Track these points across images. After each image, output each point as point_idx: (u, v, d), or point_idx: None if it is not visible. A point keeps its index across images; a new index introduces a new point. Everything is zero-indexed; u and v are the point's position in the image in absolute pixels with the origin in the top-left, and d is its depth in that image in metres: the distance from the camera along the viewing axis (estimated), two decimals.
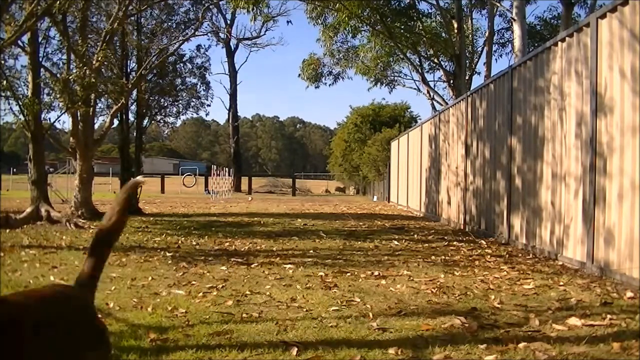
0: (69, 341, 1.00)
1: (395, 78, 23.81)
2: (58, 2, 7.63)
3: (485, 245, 6.19)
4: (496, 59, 39.70)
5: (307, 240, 6.64)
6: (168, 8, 13.02)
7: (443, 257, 5.25)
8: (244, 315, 2.85)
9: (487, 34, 18.04)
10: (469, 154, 8.20)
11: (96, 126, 11.57)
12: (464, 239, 6.85)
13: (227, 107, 37.74)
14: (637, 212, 3.79)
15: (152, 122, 15.69)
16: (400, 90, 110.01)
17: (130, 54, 12.25)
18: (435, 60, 18.61)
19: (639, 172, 3.79)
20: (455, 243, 6.41)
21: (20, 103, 8.51)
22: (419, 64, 19.33)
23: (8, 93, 8.64)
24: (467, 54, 18.34)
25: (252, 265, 4.59)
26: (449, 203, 9.54)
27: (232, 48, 36.18)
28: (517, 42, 11.61)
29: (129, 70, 12.08)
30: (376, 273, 4.22)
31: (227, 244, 6.27)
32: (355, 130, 27.52)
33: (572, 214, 4.82)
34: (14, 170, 36.12)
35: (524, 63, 6.12)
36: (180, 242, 6.42)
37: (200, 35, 12.41)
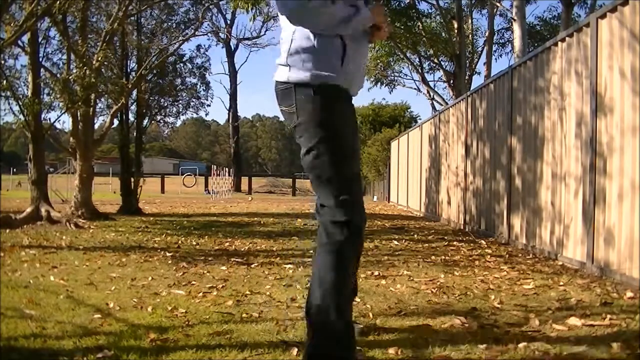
0: None
1: (395, 78, 23.84)
2: (58, 2, 7.64)
3: (485, 245, 6.19)
4: (496, 59, 39.64)
5: (307, 240, 6.64)
6: (168, 8, 13.03)
7: (443, 257, 5.25)
8: (244, 315, 2.85)
9: (487, 34, 18.05)
10: (469, 154, 8.21)
11: (96, 126, 11.59)
12: (464, 239, 6.85)
13: (227, 107, 37.81)
14: (637, 212, 3.79)
15: (152, 122, 15.71)
16: (400, 90, 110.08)
17: (130, 54, 12.25)
18: (435, 60, 18.63)
19: (639, 172, 3.79)
20: (455, 243, 6.41)
21: (20, 103, 8.51)
22: (419, 64, 19.35)
23: (8, 93, 8.64)
24: (467, 54, 18.34)
25: (252, 265, 4.59)
26: (449, 203, 9.54)
27: (232, 48, 36.30)
28: (517, 42, 11.62)
29: (129, 70, 12.08)
30: (376, 273, 4.22)
31: (227, 244, 6.27)
32: None
33: (572, 214, 4.82)
34: (14, 170, 36.15)
35: (524, 63, 6.12)
36: (180, 242, 6.42)
37: (200, 35, 12.46)
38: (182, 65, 15.91)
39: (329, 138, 2.09)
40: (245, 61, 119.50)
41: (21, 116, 8.57)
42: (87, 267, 4.46)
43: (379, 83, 23.18)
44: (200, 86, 18.03)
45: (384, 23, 2.22)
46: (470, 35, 19.45)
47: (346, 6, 2.10)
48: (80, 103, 8.50)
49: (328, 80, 2.10)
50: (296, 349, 2.22)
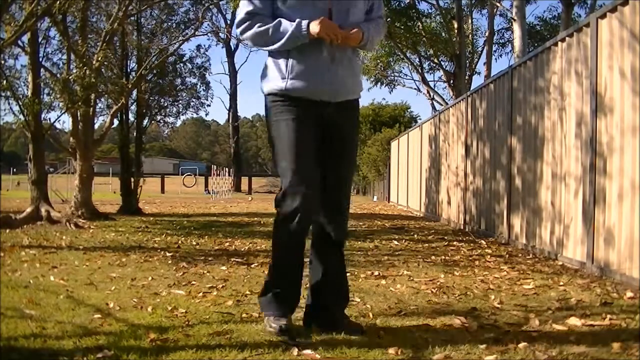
0: None
1: (395, 78, 23.84)
2: (58, 2, 7.64)
3: (485, 245, 6.19)
4: (496, 59, 39.60)
5: (307, 240, 6.63)
6: (168, 8, 13.02)
7: (443, 257, 5.25)
8: (244, 315, 2.85)
9: (487, 34, 18.05)
10: (469, 154, 8.21)
11: (96, 126, 11.59)
12: (464, 239, 6.85)
13: (227, 107, 37.83)
14: (637, 212, 3.79)
15: (152, 122, 15.70)
16: (400, 90, 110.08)
17: (130, 54, 12.25)
18: (435, 60, 18.62)
19: (639, 172, 3.79)
20: (455, 243, 6.41)
21: (20, 103, 8.51)
22: (419, 64, 19.33)
23: (8, 93, 8.63)
24: (467, 54, 18.34)
25: (252, 265, 4.59)
26: (449, 203, 9.54)
27: (232, 48, 36.30)
28: (517, 43, 11.62)
29: (129, 70, 12.08)
30: (376, 273, 4.22)
31: (227, 244, 6.27)
32: None
33: (572, 214, 4.82)
34: (14, 170, 36.15)
35: (524, 63, 6.12)
36: (180, 242, 6.42)
37: (200, 35, 12.43)
38: (182, 65, 15.90)
39: (274, 138, 2.50)
40: (245, 61, 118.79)
41: (21, 116, 8.57)
42: (87, 267, 4.46)
43: (379, 83, 23.18)
44: (200, 86, 18.02)
45: (326, 36, 2.36)
46: (470, 35, 19.45)
47: (283, 25, 2.39)
48: (80, 103, 8.49)
49: (272, 89, 2.48)
50: (296, 349, 2.22)
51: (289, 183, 2.42)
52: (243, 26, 2.46)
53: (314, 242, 2.69)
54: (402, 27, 15.72)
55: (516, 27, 11.69)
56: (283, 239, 2.54)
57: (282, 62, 2.44)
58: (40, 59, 9.35)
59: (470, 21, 19.35)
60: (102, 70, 10.14)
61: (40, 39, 9.24)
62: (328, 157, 2.53)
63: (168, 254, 5.25)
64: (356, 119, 2.67)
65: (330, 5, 2.42)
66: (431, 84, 20.61)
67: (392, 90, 37.12)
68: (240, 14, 2.47)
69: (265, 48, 2.48)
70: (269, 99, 2.50)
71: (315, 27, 2.35)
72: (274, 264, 2.58)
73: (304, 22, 2.36)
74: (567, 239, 4.91)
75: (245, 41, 2.53)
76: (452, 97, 15.87)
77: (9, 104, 9.01)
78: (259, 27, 2.42)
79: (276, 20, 2.40)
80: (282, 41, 2.39)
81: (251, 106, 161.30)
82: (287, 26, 2.37)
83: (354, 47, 2.52)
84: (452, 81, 16.05)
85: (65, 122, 40.88)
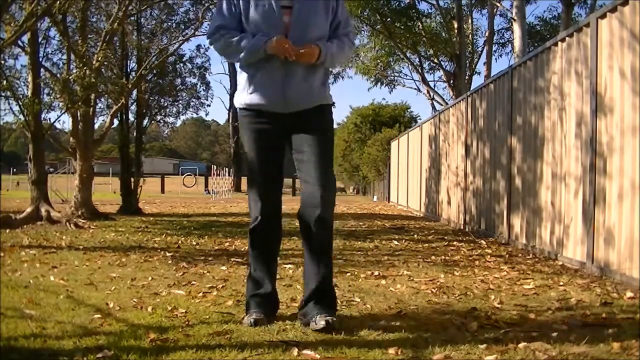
0: None
1: (395, 78, 23.85)
2: (58, 2, 7.64)
3: (485, 245, 6.19)
4: (496, 59, 39.60)
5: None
6: (168, 8, 13.01)
7: (443, 257, 5.25)
8: (244, 315, 2.85)
9: (487, 34, 18.05)
10: (469, 154, 8.20)
11: (96, 126, 11.59)
12: (464, 239, 6.85)
13: (227, 107, 37.79)
14: (637, 212, 3.79)
15: (152, 122, 15.71)
16: (400, 90, 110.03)
17: (130, 54, 12.24)
18: (435, 60, 18.63)
19: (639, 172, 3.79)
20: (455, 243, 6.41)
21: (20, 103, 8.51)
22: (419, 64, 19.35)
23: (8, 93, 8.64)
24: (467, 54, 18.34)
25: None
26: (449, 203, 9.54)
27: None
28: (517, 42, 11.63)
29: (129, 70, 12.07)
30: (376, 273, 4.22)
31: (227, 244, 6.27)
32: (355, 130, 27.52)
33: (572, 214, 4.82)
34: (14, 170, 36.14)
35: (524, 63, 6.12)
36: (180, 242, 6.42)
37: (200, 35, 12.40)
38: (182, 65, 15.91)
39: (243, 151, 2.74)
40: None
41: (21, 116, 8.57)
42: (87, 267, 4.46)
43: (379, 83, 23.19)
44: (200, 86, 18.04)
45: (280, 53, 2.50)
46: (470, 35, 19.45)
47: (245, 40, 2.54)
48: (80, 103, 8.50)
49: (238, 103, 2.68)
50: (296, 349, 2.22)
51: (250, 196, 2.71)
52: (212, 38, 2.65)
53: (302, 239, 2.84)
54: (402, 27, 15.74)
55: (516, 27, 11.69)
56: (251, 244, 2.78)
57: (245, 76, 2.63)
58: (40, 59, 9.36)
59: (470, 21, 19.34)
60: (102, 70, 10.14)
61: (40, 39, 9.25)
62: (303, 147, 2.61)
63: (168, 254, 5.25)
64: (325, 119, 2.72)
65: (289, 20, 2.53)
66: (431, 84, 20.63)
67: (392, 90, 37.18)
68: (211, 27, 2.67)
69: (230, 60, 2.72)
70: (238, 113, 2.71)
71: (271, 44, 2.50)
72: (249, 267, 2.84)
73: (263, 38, 2.51)
74: (567, 239, 4.91)
75: (216, 52, 2.71)
76: (452, 97, 15.88)
77: (9, 104, 9.03)
78: (225, 40, 2.59)
79: (241, 35, 2.57)
80: (242, 55, 2.56)
81: None
82: (248, 41, 2.54)
83: (313, 64, 2.58)
84: (452, 81, 16.06)
85: (65, 122, 40.84)
